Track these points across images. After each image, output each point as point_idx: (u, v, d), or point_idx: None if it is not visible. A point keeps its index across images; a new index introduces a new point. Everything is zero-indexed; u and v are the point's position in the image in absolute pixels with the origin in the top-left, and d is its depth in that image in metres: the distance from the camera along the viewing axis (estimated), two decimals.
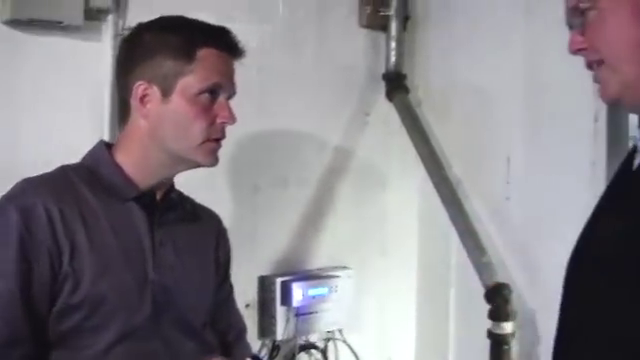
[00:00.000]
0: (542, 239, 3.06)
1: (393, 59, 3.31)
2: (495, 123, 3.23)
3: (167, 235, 1.93)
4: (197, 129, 1.86)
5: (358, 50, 3.29)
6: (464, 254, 3.17)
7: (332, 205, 3.18)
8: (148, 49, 1.88)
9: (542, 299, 3.00)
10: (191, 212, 2.05)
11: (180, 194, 2.03)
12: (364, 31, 3.29)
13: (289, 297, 2.91)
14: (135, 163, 1.90)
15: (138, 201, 1.89)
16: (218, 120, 1.88)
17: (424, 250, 3.46)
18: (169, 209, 1.96)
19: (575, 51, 1.52)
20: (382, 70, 3.35)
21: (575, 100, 2.95)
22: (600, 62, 1.47)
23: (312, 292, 2.97)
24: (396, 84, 3.32)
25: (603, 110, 2.89)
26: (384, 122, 3.35)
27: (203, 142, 1.87)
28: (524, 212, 3.14)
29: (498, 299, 2.82)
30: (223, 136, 1.92)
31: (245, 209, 2.86)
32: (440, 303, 3.38)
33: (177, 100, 1.86)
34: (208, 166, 1.93)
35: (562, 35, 2.93)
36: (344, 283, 3.09)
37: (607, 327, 1.40)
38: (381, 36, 3.34)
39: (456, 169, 3.29)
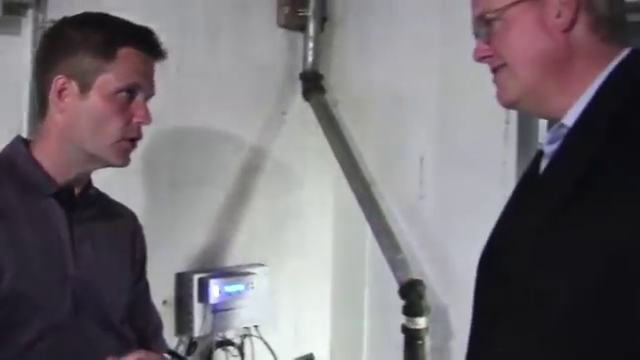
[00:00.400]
0: (454, 237, 3.16)
1: (310, 59, 3.37)
2: (409, 124, 3.32)
3: (86, 231, 1.92)
4: (113, 127, 1.86)
5: (276, 50, 3.33)
6: (378, 252, 3.25)
7: (249, 203, 3.21)
8: (69, 44, 1.87)
9: (454, 295, 3.11)
10: (108, 209, 2.04)
11: (97, 191, 2.02)
12: (282, 31, 3.34)
13: (206, 294, 2.93)
14: (52, 158, 1.88)
15: (57, 197, 1.88)
16: (134, 119, 1.88)
17: (339, 248, 3.53)
18: (87, 206, 1.95)
19: (480, 58, 1.61)
20: (299, 70, 3.40)
21: (487, 103, 3.00)
22: (503, 66, 1.55)
23: (229, 289, 2.99)
24: (313, 84, 3.37)
25: (514, 113, 3.00)
26: (301, 122, 3.40)
27: (118, 141, 1.87)
28: (437, 211, 3.24)
29: (412, 295, 2.90)
30: (139, 136, 1.92)
31: (162, 206, 2.86)
32: (355, 300, 3.45)
33: (95, 97, 1.85)
34: (119, 166, 1.93)
35: (474, 41, 3.04)
36: (260, 280, 3.12)
37: (517, 318, 1.46)
38: (299, 36, 3.39)
39: (371, 169, 3.36)
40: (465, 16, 3.04)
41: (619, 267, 1.32)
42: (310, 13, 3.34)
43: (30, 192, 1.86)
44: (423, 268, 3.19)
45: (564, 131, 1.51)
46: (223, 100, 3.09)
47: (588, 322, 1.36)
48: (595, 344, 1.36)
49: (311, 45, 3.36)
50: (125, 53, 1.86)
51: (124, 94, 1.86)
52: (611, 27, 1.53)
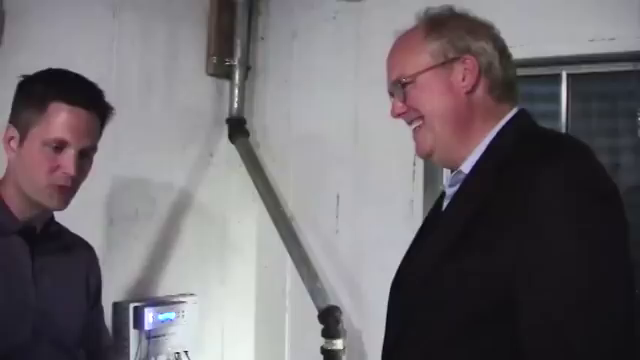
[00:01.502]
0: (367, 268, 3.45)
1: (236, 105, 3.64)
2: (326, 164, 3.60)
3: (46, 264, 2.10)
4: (38, 175, 1.99)
5: (204, 96, 3.60)
6: (298, 281, 3.51)
7: (179, 236, 3.45)
8: (19, 96, 2.05)
9: (367, 320, 3.40)
10: (68, 242, 2.23)
11: (59, 226, 2.21)
12: (210, 79, 3.61)
13: (141, 321, 3.14)
14: (13, 199, 2.05)
15: (20, 234, 2.06)
16: (61, 170, 1.99)
17: (261, 278, 3.76)
18: (48, 240, 2.14)
19: (397, 115, 1.88)
20: (226, 115, 3.66)
21: (396, 146, 3.35)
22: (420, 120, 1.81)
23: (162, 317, 3.22)
24: (238, 128, 3.64)
25: None
26: (226, 162, 3.67)
27: (46, 187, 1.99)
28: (351, 244, 3.51)
29: (330, 319, 3.19)
30: (66, 184, 2.01)
31: (101, 240, 3.05)
32: (276, 326, 3.69)
33: (28, 146, 2.00)
34: (54, 209, 2.08)
35: (383, 90, 3.36)
36: (190, 308, 3.36)
37: (420, 337, 1.73)
38: (225, 84, 3.66)
39: (291, 205, 3.62)
40: (376, 68, 3.38)
41: (496, 289, 1.57)
42: (236, 62, 3.62)
43: None
44: (339, 296, 3.45)
45: (461, 177, 1.77)
46: (156, 142, 3.31)
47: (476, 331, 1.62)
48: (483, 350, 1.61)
49: (237, 92, 3.63)
50: (55, 107, 1.98)
51: (50, 148, 1.98)
52: (504, 88, 1.80)
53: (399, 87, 1.84)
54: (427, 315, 1.71)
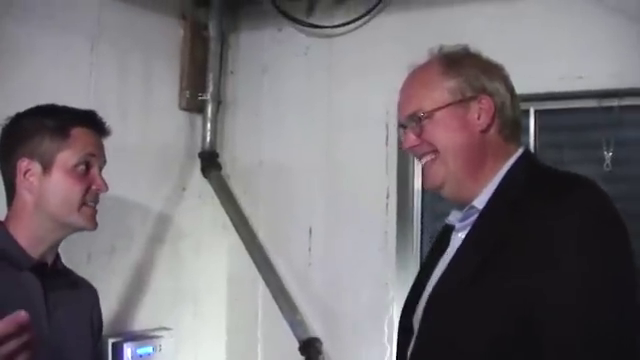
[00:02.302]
0: (342, 299, 3.51)
1: (208, 139, 3.67)
2: (298, 197, 3.65)
3: (59, 299, 2.13)
4: (76, 196, 2.11)
5: (177, 130, 3.62)
6: (270, 313, 3.56)
7: (154, 270, 3.45)
8: (27, 131, 2.12)
9: (343, 352, 3.44)
10: (74, 280, 2.28)
11: (63, 264, 2.25)
12: (183, 113, 3.63)
13: (120, 357, 3.14)
14: (26, 234, 2.10)
15: (32, 270, 2.09)
16: (93, 187, 2.15)
17: (232, 310, 3.78)
18: (57, 277, 2.17)
19: (409, 147, 1.93)
20: (198, 149, 3.69)
21: (370, 179, 3.45)
22: (433, 152, 1.87)
23: (140, 351, 3.22)
24: (210, 162, 3.67)
25: (393, 188, 3.42)
26: (199, 195, 3.69)
27: (80, 207, 2.13)
28: (325, 276, 3.56)
29: (311, 350, 3.25)
30: (97, 201, 2.19)
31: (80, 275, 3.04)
32: (249, 358, 3.70)
33: (57, 173, 2.10)
34: (90, 229, 2.19)
35: (358, 124, 3.47)
36: (166, 342, 3.36)
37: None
38: (198, 118, 3.69)
39: (262, 237, 3.65)
40: (348, 101, 3.49)
41: (518, 315, 1.65)
42: (208, 97, 3.65)
43: (7, 267, 2.05)
44: (314, 328, 3.49)
45: (474, 212, 1.85)
46: (131, 176, 3.29)
47: None
48: None
49: (209, 126, 3.66)
50: (77, 132, 2.14)
51: (82, 167, 2.13)
52: (512, 128, 1.89)
53: (415, 121, 1.89)
54: (441, 349, 1.77)
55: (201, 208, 3.70)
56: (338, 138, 3.56)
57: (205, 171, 3.66)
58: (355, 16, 3.50)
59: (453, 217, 1.98)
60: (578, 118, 3.23)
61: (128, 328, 3.32)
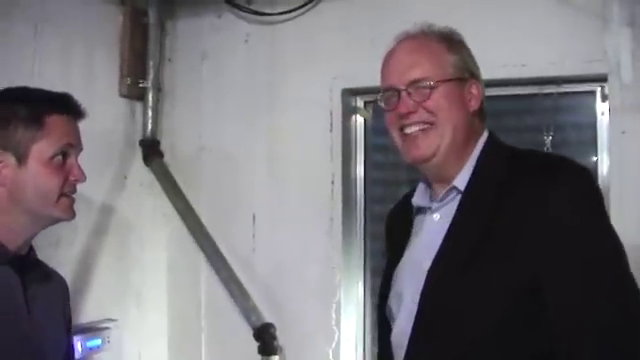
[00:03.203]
0: (287, 285, 3.52)
1: (149, 127, 3.62)
2: (241, 184, 3.64)
3: (36, 292, 2.09)
4: (54, 188, 2.03)
5: (118, 118, 3.55)
6: (214, 301, 3.55)
7: (98, 261, 3.39)
8: None
9: (290, 337, 3.46)
10: (47, 271, 2.23)
11: (35, 255, 2.18)
12: (123, 100, 3.57)
13: (71, 350, 3.06)
14: (1, 229, 2.02)
15: (10, 263, 2.02)
16: (71, 178, 2.08)
17: (174, 299, 3.74)
18: (33, 269, 2.12)
19: (408, 111, 1.89)
20: (139, 136, 3.63)
21: (315, 165, 3.48)
22: (431, 124, 1.87)
23: (90, 344, 3.17)
24: (151, 149, 3.62)
25: (338, 174, 3.46)
26: (140, 184, 3.63)
27: (59, 199, 2.05)
28: (269, 262, 3.57)
29: (266, 336, 3.26)
30: (75, 191, 2.13)
31: None
32: (192, 347, 3.68)
33: (32, 165, 2.01)
34: (67, 220, 2.12)
35: (302, 111, 3.50)
36: (114, 333, 3.32)
37: (443, 350, 1.81)
38: (138, 105, 3.63)
39: (207, 225, 3.62)
40: (291, 88, 3.50)
41: (520, 295, 1.71)
42: (149, 84, 3.59)
43: None
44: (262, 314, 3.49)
45: (455, 193, 1.89)
46: None
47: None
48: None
49: (150, 113, 3.61)
50: (52, 121, 2.04)
51: (59, 157, 2.05)
52: (483, 111, 1.96)
53: (419, 87, 1.88)
54: (448, 328, 1.79)
55: (142, 197, 3.66)
56: (281, 125, 3.56)
57: (147, 159, 3.61)
58: (298, 4, 3.50)
59: (421, 200, 2.01)
60: (520, 104, 3.34)
61: (75, 321, 3.23)
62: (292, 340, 3.46)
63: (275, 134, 3.58)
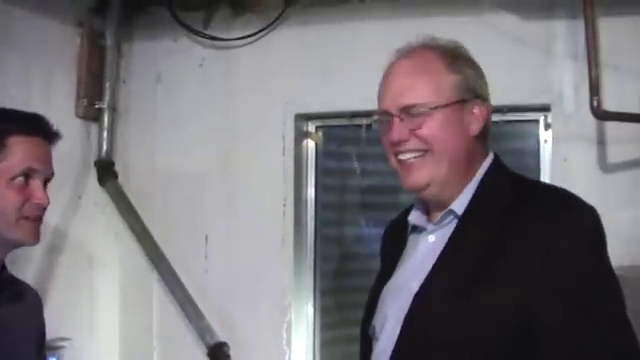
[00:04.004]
0: (239, 305, 3.58)
1: (104, 147, 3.65)
2: (194, 205, 3.69)
3: (6, 315, 2.08)
4: (9, 211, 1.99)
5: (74, 139, 3.56)
6: (167, 321, 3.59)
7: (52, 280, 3.39)
8: None
9: (240, 355, 3.50)
10: (21, 289, 2.22)
11: (8, 274, 2.19)
12: (79, 121, 3.59)
13: None
14: None
15: None
16: (33, 200, 2.03)
17: (126, 319, 3.76)
18: (5, 288, 2.13)
19: (399, 139, 1.78)
20: (94, 157, 3.66)
21: (267, 188, 3.55)
22: (426, 152, 1.77)
23: None
24: (106, 170, 3.65)
25: (291, 196, 3.55)
26: (94, 204, 3.66)
27: (17, 220, 2.01)
28: (221, 282, 3.62)
29: (220, 355, 3.30)
30: (40, 214, 2.08)
31: None
32: None
33: None
34: (29, 244, 2.09)
35: (255, 135, 3.56)
36: (67, 352, 3.32)
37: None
38: (94, 126, 3.66)
39: (160, 246, 3.65)
40: (246, 112, 3.57)
41: (512, 322, 1.64)
42: (105, 105, 3.63)
43: None
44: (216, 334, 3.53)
45: (452, 216, 1.80)
46: None
47: None
48: None
49: (105, 134, 3.64)
50: (15, 142, 2.01)
51: (20, 179, 2.01)
52: (486, 135, 1.84)
53: (412, 114, 1.78)
54: (429, 355, 1.73)
55: (96, 217, 3.68)
56: (235, 148, 3.64)
57: (101, 180, 3.64)
58: (254, 30, 3.59)
59: (418, 219, 1.92)
60: None
61: None
62: (245, 358, 3.51)
63: (228, 157, 3.64)
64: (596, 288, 1.67)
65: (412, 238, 1.94)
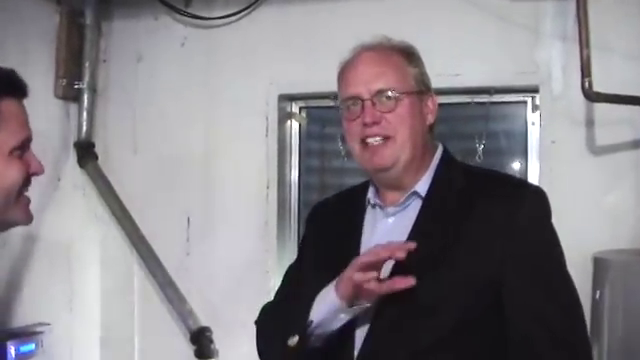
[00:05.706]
0: (221, 288, 3.53)
1: (84, 128, 3.58)
2: (175, 186, 3.63)
3: None
4: (13, 187, 1.79)
5: (53, 119, 3.51)
6: (148, 304, 3.55)
7: (30, 264, 3.33)
8: None
9: (225, 340, 3.47)
10: None
11: None
12: (58, 101, 3.52)
13: (4, 356, 3.02)
14: None
15: None
16: (30, 171, 1.84)
17: (107, 303, 3.71)
18: None
19: (372, 120, 1.89)
20: (74, 138, 3.59)
21: (251, 169, 3.50)
22: (388, 139, 1.89)
23: (24, 349, 3.12)
24: (86, 151, 3.58)
25: (274, 178, 3.49)
26: (73, 186, 3.60)
27: (17, 198, 1.80)
28: (204, 265, 3.57)
29: (203, 340, 3.27)
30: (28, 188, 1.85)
31: None
32: (125, 350, 3.66)
33: None
34: (26, 224, 1.89)
35: (238, 115, 3.52)
36: (47, 337, 3.27)
37: (405, 345, 1.84)
38: (73, 106, 3.59)
39: (141, 228, 3.60)
40: (228, 91, 3.51)
41: (484, 290, 1.80)
42: (84, 85, 3.56)
43: None
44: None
45: (414, 198, 1.94)
46: None
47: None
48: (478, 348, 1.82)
49: (85, 115, 3.57)
50: (8, 107, 1.78)
51: (18, 151, 1.80)
52: (433, 127, 2.01)
53: (386, 97, 1.90)
54: (413, 324, 1.82)
55: (76, 199, 3.62)
56: (217, 129, 3.58)
57: (81, 161, 3.58)
58: (236, 8, 3.52)
59: (376, 199, 2.01)
60: (454, 112, 3.43)
61: (7, 325, 3.19)
62: (228, 343, 3.46)
63: (211, 138, 3.59)
64: (550, 258, 1.89)
65: (368, 220, 2.03)
